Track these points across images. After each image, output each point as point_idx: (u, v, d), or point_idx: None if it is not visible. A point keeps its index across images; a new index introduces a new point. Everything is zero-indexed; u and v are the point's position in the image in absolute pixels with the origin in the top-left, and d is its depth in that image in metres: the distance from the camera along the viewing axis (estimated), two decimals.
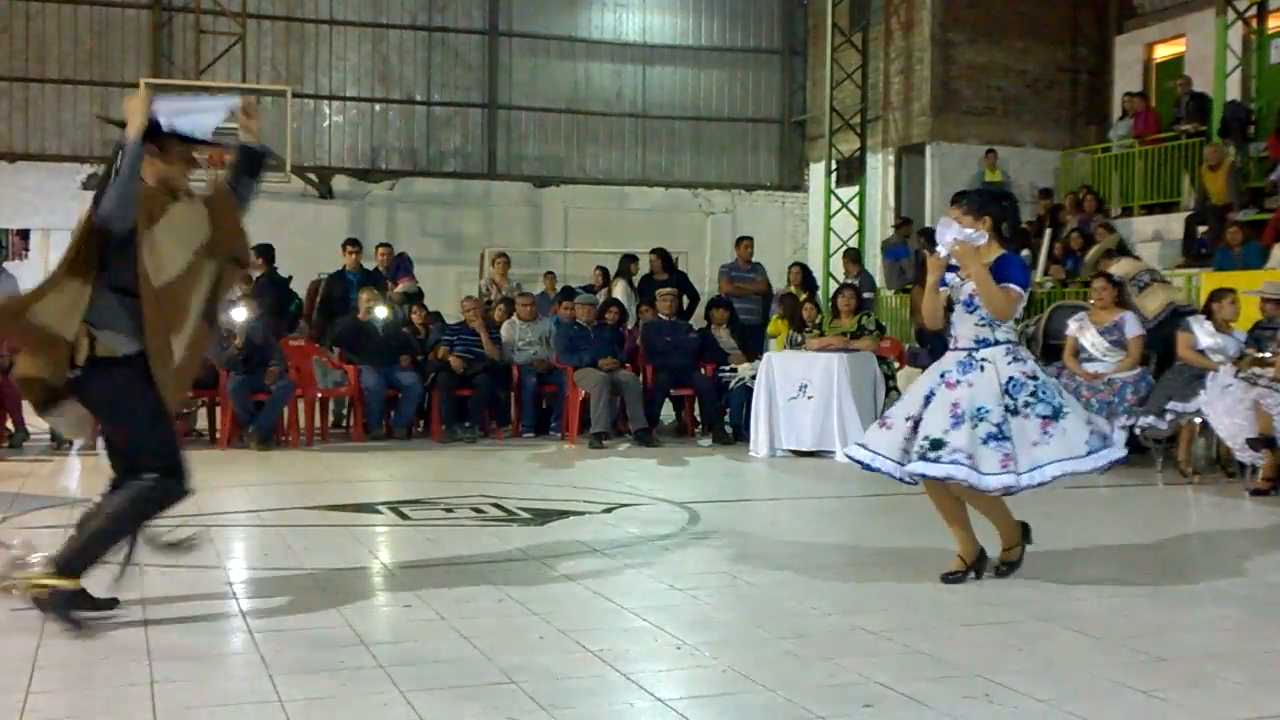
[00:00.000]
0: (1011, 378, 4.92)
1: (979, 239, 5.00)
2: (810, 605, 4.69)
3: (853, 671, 3.78)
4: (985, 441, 4.85)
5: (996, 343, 5.00)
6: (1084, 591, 5.03)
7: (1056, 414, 4.89)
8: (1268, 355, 8.36)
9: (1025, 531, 5.25)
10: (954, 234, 5.00)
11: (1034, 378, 4.95)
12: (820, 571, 5.33)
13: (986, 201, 5.14)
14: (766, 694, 3.58)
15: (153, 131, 4.31)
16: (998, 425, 4.86)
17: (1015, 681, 3.66)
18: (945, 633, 4.26)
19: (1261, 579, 5.43)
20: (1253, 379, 8.14)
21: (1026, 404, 4.88)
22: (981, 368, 4.95)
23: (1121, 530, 6.69)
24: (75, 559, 4.24)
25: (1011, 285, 4.97)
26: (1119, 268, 9.96)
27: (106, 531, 4.28)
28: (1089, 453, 4.86)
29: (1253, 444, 7.93)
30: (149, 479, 4.28)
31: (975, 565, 5.13)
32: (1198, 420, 8.52)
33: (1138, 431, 9.05)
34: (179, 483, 4.35)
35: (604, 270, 14.40)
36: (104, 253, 4.25)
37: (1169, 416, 8.57)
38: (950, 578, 5.06)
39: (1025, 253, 15.34)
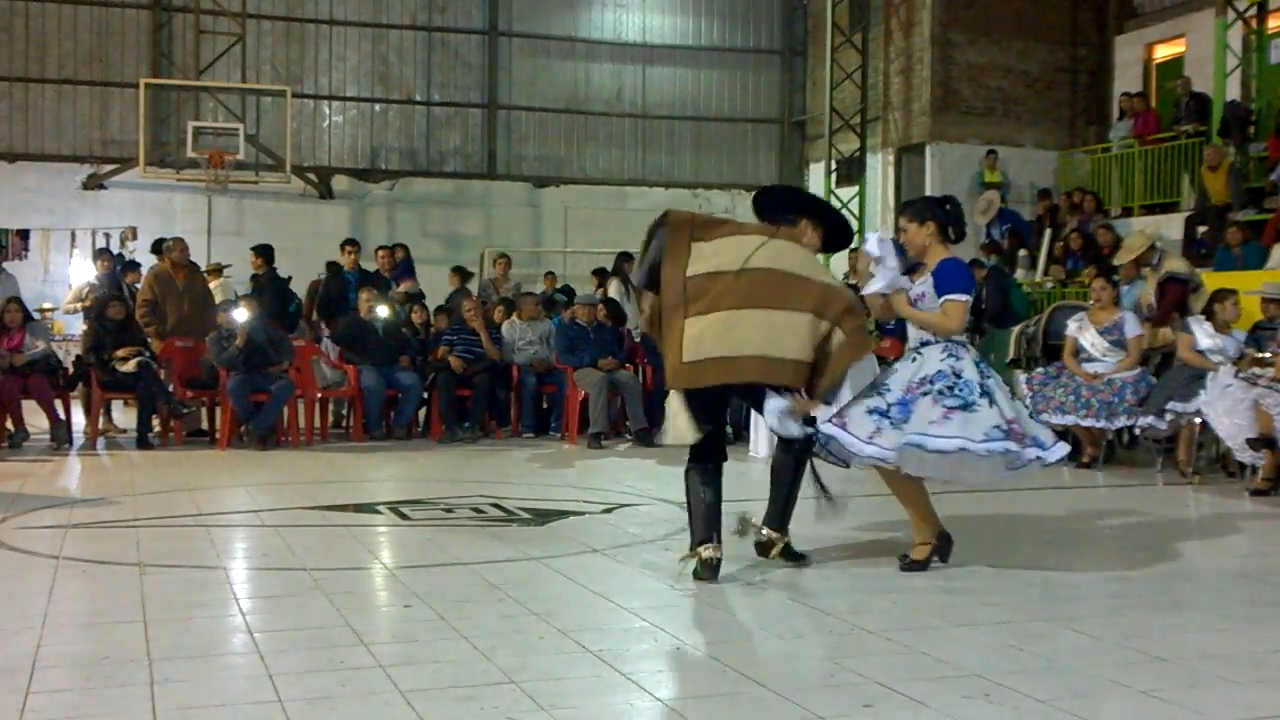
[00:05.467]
0: (939, 371, 5.10)
1: (900, 282, 5.29)
2: (810, 605, 4.70)
3: (853, 671, 3.78)
4: (870, 412, 5.07)
5: (936, 341, 5.22)
6: (1084, 591, 5.02)
7: (966, 406, 4.99)
8: (1268, 355, 8.36)
9: (943, 543, 5.32)
10: (878, 286, 5.29)
11: (959, 375, 5.07)
12: (820, 571, 5.33)
13: (928, 207, 5.37)
14: (766, 694, 3.57)
15: None
16: (890, 404, 5.08)
17: (1015, 681, 3.66)
18: (945, 633, 4.26)
19: (1261, 579, 5.43)
20: (1253, 379, 8.14)
21: (940, 393, 5.04)
22: (914, 359, 5.23)
23: (1121, 530, 6.69)
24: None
25: (953, 296, 5.17)
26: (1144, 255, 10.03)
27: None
28: (984, 439, 4.93)
29: (1253, 444, 7.93)
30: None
31: (939, 548, 5.31)
32: (1198, 420, 8.52)
33: (1138, 431, 9.07)
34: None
35: (601, 272, 14.40)
36: None
37: (1169, 416, 8.58)
38: (912, 565, 5.25)
39: (1023, 252, 15.38)
